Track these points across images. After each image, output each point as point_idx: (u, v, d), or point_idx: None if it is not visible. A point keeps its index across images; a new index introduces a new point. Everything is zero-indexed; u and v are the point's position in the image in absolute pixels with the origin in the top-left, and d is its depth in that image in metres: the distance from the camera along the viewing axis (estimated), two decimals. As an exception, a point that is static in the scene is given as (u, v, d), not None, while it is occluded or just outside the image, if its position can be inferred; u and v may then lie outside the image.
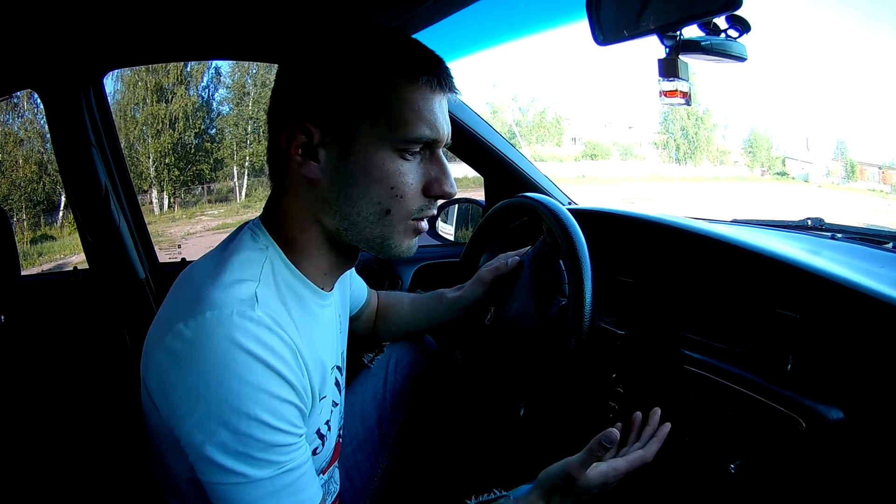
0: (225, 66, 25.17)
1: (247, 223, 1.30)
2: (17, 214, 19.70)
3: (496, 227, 2.02)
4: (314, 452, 1.28)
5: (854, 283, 1.26)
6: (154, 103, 23.49)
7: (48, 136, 2.33)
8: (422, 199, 1.22)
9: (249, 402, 1.04)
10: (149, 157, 23.50)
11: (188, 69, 24.05)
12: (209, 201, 24.55)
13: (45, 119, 2.30)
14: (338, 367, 1.43)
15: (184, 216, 22.78)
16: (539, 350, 1.59)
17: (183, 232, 20.14)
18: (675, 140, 42.86)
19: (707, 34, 1.43)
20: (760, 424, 1.29)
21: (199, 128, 25.28)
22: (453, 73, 1.24)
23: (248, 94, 25.54)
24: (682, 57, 1.44)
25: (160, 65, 20.95)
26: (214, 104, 26.13)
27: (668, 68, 1.45)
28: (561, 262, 1.65)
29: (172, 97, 23.68)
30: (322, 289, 1.30)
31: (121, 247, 2.45)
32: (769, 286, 1.42)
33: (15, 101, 18.54)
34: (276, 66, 1.27)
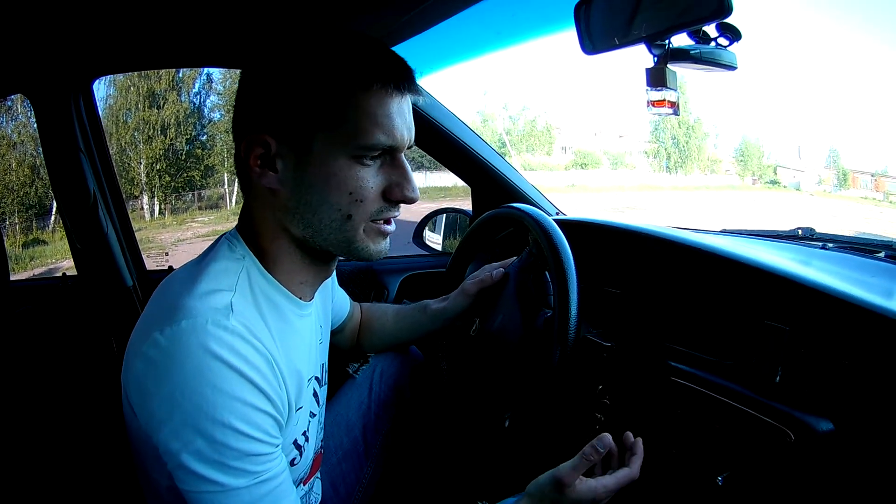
0: (217, 72, 25.20)
1: (225, 233, 1.30)
2: (9, 218, 19.68)
3: (483, 238, 2.02)
4: (292, 463, 1.29)
5: (845, 294, 1.25)
6: (146, 109, 23.47)
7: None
8: (381, 202, 1.22)
9: (223, 410, 1.06)
10: (140, 163, 23.48)
11: (180, 75, 24.06)
12: (199, 208, 24.52)
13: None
14: (316, 379, 1.43)
15: (174, 222, 22.76)
16: (524, 361, 1.58)
17: (173, 238, 20.12)
18: (665, 149, 42.99)
19: (697, 42, 1.43)
20: (748, 436, 1.28)
21: (191, 134, 25.26)
22: (414, 74, 1.25)
23: (240, 100, 25.63)
24: (670, 66, 1.43)
25: (152, 70, 20.95)
26: (206, 110, 26.17)
27: (656, 78, 1.45)
28: (547, 273, 1.65)
29: (164, 103, 23.67)
30: (300, 298, 1.31)
31: (108, 254, 2.44)
32: (758, 297, 1.41)
33: (9, 104, 18.53)
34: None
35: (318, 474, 1.58)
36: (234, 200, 24.97)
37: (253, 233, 1.27)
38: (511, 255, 1.85)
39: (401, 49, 2.02)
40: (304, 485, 1.45)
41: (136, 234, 2.63)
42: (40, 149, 2.32)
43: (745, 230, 2.09)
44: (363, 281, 1.99)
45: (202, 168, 25.22)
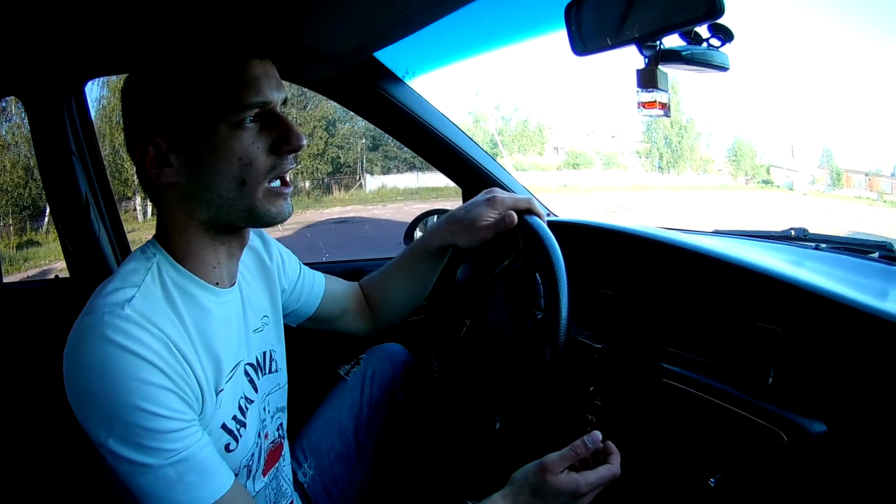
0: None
1: None
2: (3, 220, 19.63)
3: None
4: (227, 449, 1.34)
5: (837, 295, 1.25)
6: (139, 109, 23.45)
7: (35, 141, 2.35)
8: (272, 159, 1.29)
9: (127, 392, 1.13)
10: (133, 164, 23.46)
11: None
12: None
13: (31, 125, 2.31)
14: (251, 365, 1.47)
15: (167, 223, 22.76)
16: (515, 363, 1.58)
17: (166, 238, 20.12)
18: (658, 149, 42.93)
19: (688, 43, 1.43)
20: (741, 438, 1.28)
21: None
22: (267, 40, 1.32)
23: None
24: (662, 67, 1.43)
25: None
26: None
27: (647, 79, 1.45)
28: (537, 275, 1.65)
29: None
30: (217, 285, 1.38)
31: (100, 256, 2.45)
32: (750, 299, 1.41)
33: (3, 105, 18.49)
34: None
35: (281, 465, 1.61)
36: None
37: (164, 233, 1.35)
38: (501, 257, 1.84)
39: (392, 50, 2.02)
40: (263, 476, 1.50)
41: (130, 236, 2.64)
42: (33, 150, 2.32)
43: (738, 231, 2.09)
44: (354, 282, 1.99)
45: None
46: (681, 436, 1.42)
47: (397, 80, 2.29)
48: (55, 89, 2.24)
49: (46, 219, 19.28)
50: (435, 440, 1.89)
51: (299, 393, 1.71)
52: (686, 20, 1.32)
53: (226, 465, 1.26)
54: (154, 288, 1.27)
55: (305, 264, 1.82)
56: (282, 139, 1.28)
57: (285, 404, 1.65)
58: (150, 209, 23.56)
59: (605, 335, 1.66)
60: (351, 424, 1.82)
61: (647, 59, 1.44)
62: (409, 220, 2.59)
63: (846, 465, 1.18)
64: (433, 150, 2.46)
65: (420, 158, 2.50)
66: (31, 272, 16.22)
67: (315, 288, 1.84)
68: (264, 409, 1.52)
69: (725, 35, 1.42)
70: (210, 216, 1.30)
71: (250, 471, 1.44)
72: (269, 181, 1.29)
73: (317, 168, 26.46)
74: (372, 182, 30.19)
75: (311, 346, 1.71)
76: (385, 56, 2.16)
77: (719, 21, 1.32)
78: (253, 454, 1.44)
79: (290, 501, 1.62)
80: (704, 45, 1.43)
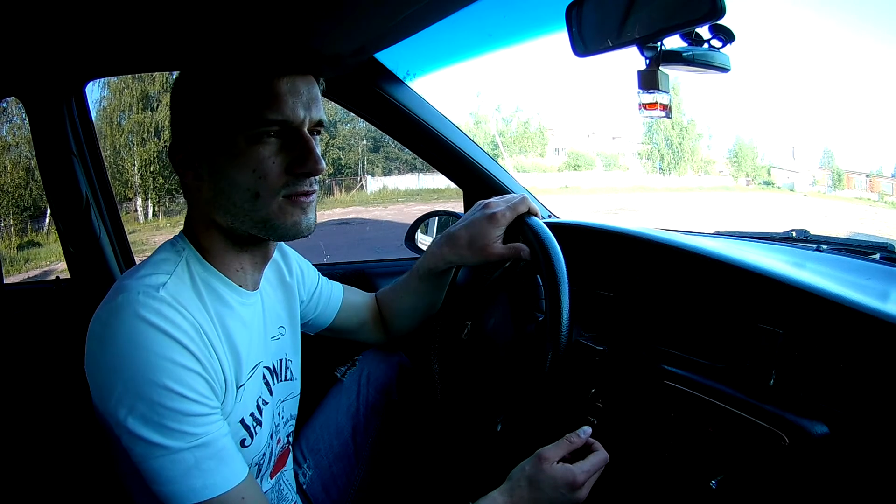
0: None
1: None
2: (4, 220, 19.66)
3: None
4: (242, 444, 1.37)
5: (839, 297, 1.24)
6: (139, 111, 23.43)
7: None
8: (287, 177, 1.29)
9: (157, 370, 1.15)
10: (134, 165, 23.44)
11: (173, 77, 24.05)
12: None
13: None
14: (268, 368, 1.50)
15: (168, 224, 22.74)
16: (516, 366, 1.58)
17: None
18: (659, 150, 42.96)
19: (689, 44, 1.42)
20: (742, 440, 1.28)
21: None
22: (305, 56, 1.34)
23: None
24: (663, 68, 1.43)
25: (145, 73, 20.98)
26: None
27: (648, 80, 1.45)
28: (538, 277, 1.64)
29: (158, 105, 23.64)
30: (241, 287, 1.40)
31: (101, 257, 2.45)
32: (751, 301, 1.41)
33: (3, 105, 18.50)
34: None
35: (285, 470, 1.63)
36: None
37: (191, 229, 1.39)
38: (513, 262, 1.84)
39: (393, 52, 2.02)
40: (271, 478, 1.53)
41: (130, 237, 2.63)
42: (34, 151, 2.32)
43: (739, 232, 2.08)
44: (355, 285, 1.99)
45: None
46: (682, 437, 1.42)
47: (398, 82, 2.29)
48: (56, 90, 2.24)
49: (47, 220, 19.31)
50: (436, 442, 1.89)
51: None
52: (687, 21, 1.31)
53: (241, 456, 1.27)
54: (185, 278, 1.30)
55: (306, 266, 1.80)
56: (298, 161, 1.28)
57: (296, 413, 1.67)
58: (150, 210, 23.59)
59: (606, 337, 1.66)
60: (348, 425, 1.83)
61: (648, 61, 1.44)
62: (411, 221, 2.59)
63: (848, 467, 1.17)
64: (434, 151, 2.46)
65: (421, 160, 2.49)
66: (32, 273, 16.26)
67: (333, 299, 1.87)
68: (278, 415, 1.54)
69: (726, 36, 1.42)
70: (228, 223, 1.33)
71: (260, 470, 1.46)
72: (284, 196, 1.29)
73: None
74: (373, 183, 30.24)
75: (308, 347, 1.71)
76: (386, 57, 2.16)
77: (720, 22, 1.31)
78: (265, 453, 1.46)
79: None
80: (705, 46, 1.43)
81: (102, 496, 1.77)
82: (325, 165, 1.31)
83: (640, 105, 1.50)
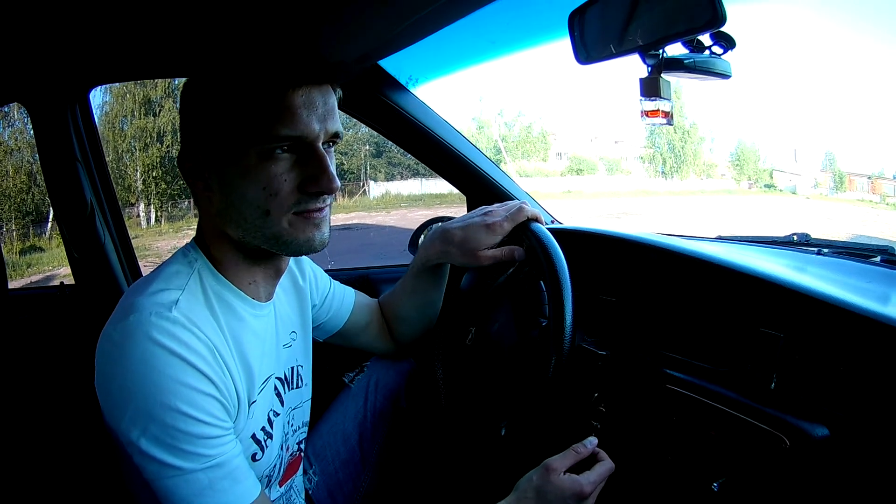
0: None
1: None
2: (6, 225, 19.64)
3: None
4: (253, 458, 1.35)
5: (839, 301, 1.25)
6: (142, 116, 23.38)
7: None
8: (298, 195, 1.27)
9: (170, 394, 1.14)
10: (136, 171, 23.41)
11: (176, 83, 23.96)
12: (195, 215, 24.24)
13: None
14: (279, 379, 1.48)
15: (171, 230, 22.68)
16: (520, 371, 1.59)
17: (169, 246, 20.03)
18: (661, 154, 42.81)
19: (691, 51, 1.43)
20: (744, 443, 1.28)
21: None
22: (321, 67, 1.32)
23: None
24: (664, 75, 1.44)
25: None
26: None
27: (650, 87, 1.45)
28: (542, 283, 1.65)
29: (160, 110, 23.59)
30: (254, 299, 1.38)
31: (105, 263, 2.45)
32: (752, 305, 1.41)
33: (6, 110, 18.48)
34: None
35: (296, 477, 1.63)
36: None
37: (203, 240, 1.37)
38: (505, 265, 1.84)
39: (396, 58, 2.02)
40: (280, 486, 1.52)
41: (133, 242, 2.64)
42: (37, 156, 2.32)
43: (741, 237, 2.09)
44: (359, 290, 2.00)
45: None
46: (684, 441, 1.42)
47: (402, 88, 2.28)
48: (59, 96, 2.24)
49: (49, 224, 19.26)
50: (440, 447, 1.89)
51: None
52: (688, 29, 1.32)
53: (253, 474, 1.27)
54: (197, 292, 1.28)
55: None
56: (312, 178, 1.26)
57: (308, 420, 1.66)
58: (153, 216, 23.54)
59: (609, 342, 1.66)
60: (355, 431, 1.83)
61: (649, 68, 1.44)
62: (414, 227, 2.60)
63: (848, 470, 1.18)
64: (437, 157, 2.46)
65: (424, 165, 2.50)
66: (35, 277, 16.24)
67: (345, 302, 1.86)
68: (288, 423, 1.53)
69: (727, 43, 1.43)
70: (239, 236, 1.31)
71: (270, 479, 1.46)
72: (295, 213, 1.27)
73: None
74: (376, 189, 30.15)
75: (317, 353, 1.71)
76: (389, 64, 2.17)
77: (721, 29, 1.32)
78: (275, 465, 1.46)
79: None
80: (707, 52, 1.43)
81: (109, 498, 1.77)
82: (339, 184, 1.29)
83: (642, 112, 1.51)
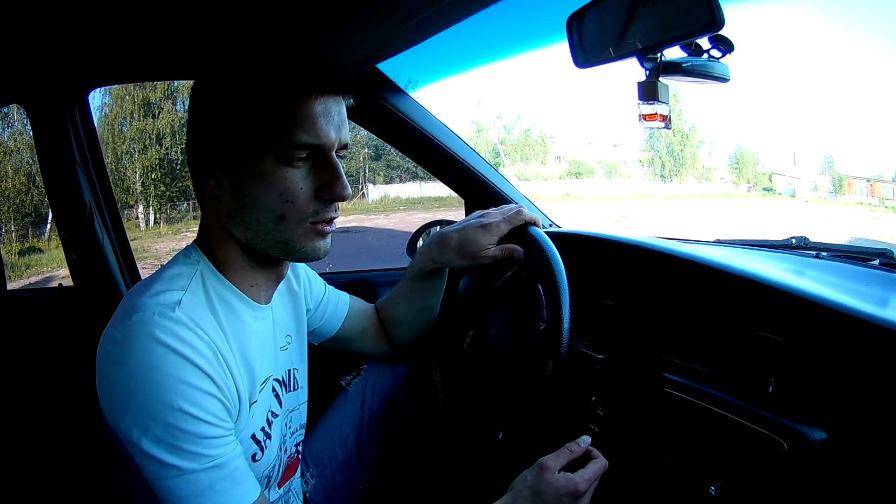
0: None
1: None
2: (5, 226, 19.66)
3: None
4: (253, 458, 1.35)
5: (838, 304, 1.25)
6: (141, 118, 23.41)
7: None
8: (314, 203, 1.28)
9: (172, 393, 1.14)
10: (135, 172, 23.42)
11: (175, 85, 24.00)
12: (194, 217, 24.38)
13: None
14: (277, 381, 1.49)
15: (169, 232, 22.71)
16: (518, 374, 1.59)
17: (168, 248, 20.04)
18: (660, 157, 42.91)
19: (689, 55, 1.43)
20: (742, 447, 1.28)
21: (186, 143, 25.20)
22: (339, 77, 1.30)
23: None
24: (662, 79, 1.44)
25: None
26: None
27: (648, 91, 1.45)
28: (539, 286, 1.65)
29: (159, 112, 23.61)
30: (255, 301, 1.38)
31: (104, 265, 2.45)
32: (751, 308, 1.41)
33: (5, 111, 18.50)
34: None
35: (294, 479, 1.63)
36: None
37: (206, 240, 1.37)
38: (503, 268, 1.84)
39: (395, 61, 2.02)
40: (279, 488, 1.52)
41: (132, 244, 2.63)
42: (36, 157, 2.32)
43: (739, 240, 2.09)
44: (357, 294, 2.00)
45: (197, 178, 25.05)
46: (682, 444, 1.42)
47: (400, 92, 2.29)
48: (59, 98, 2.24)
49: (48, 225, 19.28)
50: (437, 451, 1.89)
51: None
52: (686, 32, 1.32)
53: (253, 475, 1.27)
54: (199, 293, 1.28)
55: (309, 274, 1.81)
56: (326, 186, 1.27)
57: (305, 422, 1.66)
58: (151, 218, 23.55)
59: (606, 346, 1.66)
60: (352, 434, 1.83)
61: (648, 72, 1.45)
62: (412, 229, 2.60)
63: (846, 473, 1.17)
64: (436, 161, 2.46)
65: (422, 168, 2.50)
66: (34, 278, 16.25)
67: (339, 307, 1.86)
68: (286, 425, 1.54)
69: (726, 46, 1.43)
70: (247, 239, 1.31)
71: (269, 480, 1.46)
72: (312, 222, 1.29)
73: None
74: (374, 192, 30.22)
75: (314, 357, 1.71)
76: (388, 67, 2.17)
77: (719, 32, 1.32)
78: (274, 465, 1.46)
79: None
80: (705, 56, 1.43)
81: (108, 499, 1.78)
82: (350, 191, 1.29)
83: (640, 116, 1.51)
